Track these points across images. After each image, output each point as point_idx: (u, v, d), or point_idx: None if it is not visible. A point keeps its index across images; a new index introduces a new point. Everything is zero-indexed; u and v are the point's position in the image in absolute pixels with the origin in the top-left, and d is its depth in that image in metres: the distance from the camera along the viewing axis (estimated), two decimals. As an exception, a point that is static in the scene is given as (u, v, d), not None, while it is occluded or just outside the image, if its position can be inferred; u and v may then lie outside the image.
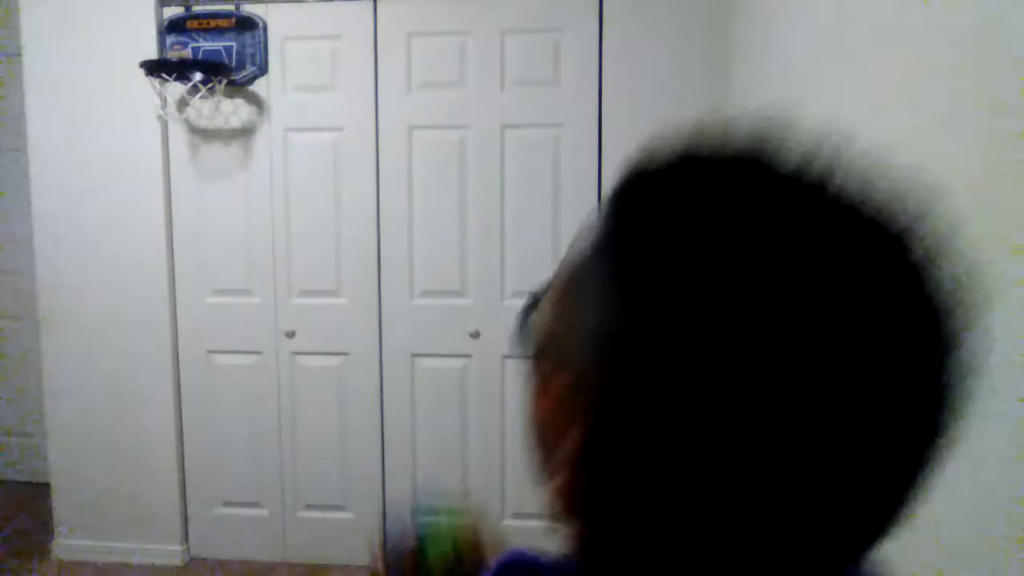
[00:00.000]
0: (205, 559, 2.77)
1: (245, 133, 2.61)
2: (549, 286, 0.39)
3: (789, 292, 0.26)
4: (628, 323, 0.28)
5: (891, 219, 0.28)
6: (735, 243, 0.27)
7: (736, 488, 0.27)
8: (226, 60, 2.53)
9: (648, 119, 2.44)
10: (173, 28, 2.55)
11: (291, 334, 2.65)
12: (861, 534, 0.29)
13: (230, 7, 2.55)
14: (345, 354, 2.66)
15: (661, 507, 0.28)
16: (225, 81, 2.50)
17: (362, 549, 2.72)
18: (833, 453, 0.27)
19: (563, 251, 2.40)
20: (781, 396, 0.26)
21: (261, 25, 2.54)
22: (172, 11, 2.57)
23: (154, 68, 2.40)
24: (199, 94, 2.45)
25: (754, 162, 0.30)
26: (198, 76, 2.41)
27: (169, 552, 2.74)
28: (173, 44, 2.55)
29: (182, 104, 2.57)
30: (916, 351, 0.27)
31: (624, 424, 0.28)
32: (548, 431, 0.35)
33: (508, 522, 2.64)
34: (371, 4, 2.52)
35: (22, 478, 3.50)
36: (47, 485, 2.86)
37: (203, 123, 2.62)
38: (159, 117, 2.57)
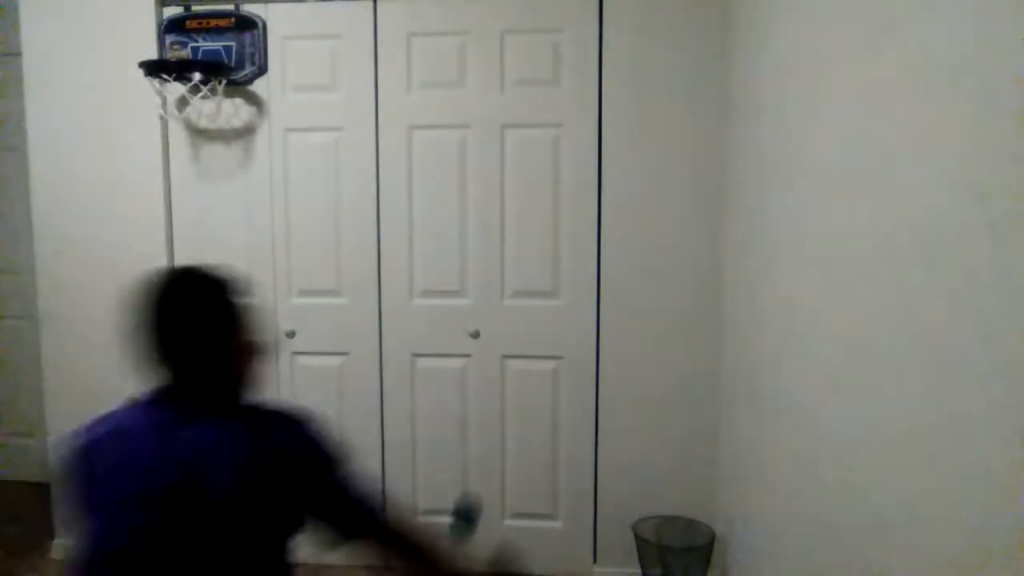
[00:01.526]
0: (205, 559, 2.77)
1: (245, 133, 2.61)
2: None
3: (166, 303, 1.11)
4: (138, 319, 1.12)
5: (211, 274, 1.15)
6: (157, 296, 1.11)
7: (150, 345, 1.10)
8: (225, 60, 2.53)
9: (648, 119, 2.44)
10: (173, 28, 2.55)
11: (291, 334, 2.65)
12: (179, 356, 1.10)
13: (230, 7, 2.55)
14: (345, 354, 2.66)
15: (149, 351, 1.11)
16: (224, 81, 2.50)
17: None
18: (158, 333, 1.09)
19: (563, 251, 2.42)
20: (153, 326, 1.09)
21: (261, 25, 2.54)
22: (172, 11, 2.57)
23: (153, 68, 2.40)
24: (199, 94, 2.45)
25: (195, 270, 1.16)
26: (197, 76, 2.41)
27: (169, 552, 2.73)
28: (173, 44, 2.55)
29: (182, 104, 2.57)
30: (205, 309, 1.11)
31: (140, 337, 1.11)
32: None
33: (508, 522, 2.64)
34: (371, 4, 2.52)
35: (22, 478, 3.50)
36: (47, 485, 2.86)
37: (203, 123, 2.62)
38: (159, 117, 2.58)
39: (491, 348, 2.58)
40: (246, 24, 2.53)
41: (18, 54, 2.67)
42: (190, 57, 2.53)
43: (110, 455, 1.08)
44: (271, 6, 2.55)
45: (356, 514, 1.14)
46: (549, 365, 2.57)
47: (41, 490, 3.21)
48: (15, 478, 3.51)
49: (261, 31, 2.54)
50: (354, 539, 1.14)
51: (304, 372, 2.68)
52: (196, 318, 1.10)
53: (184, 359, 1.10)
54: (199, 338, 1.09)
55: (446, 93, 2.52)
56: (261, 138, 2.61)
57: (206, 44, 2.55)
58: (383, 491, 2.68)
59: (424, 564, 1.17)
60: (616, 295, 2.51)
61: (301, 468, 1.08)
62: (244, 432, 1.08)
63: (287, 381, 2.68)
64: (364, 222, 2.59)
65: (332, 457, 1.13)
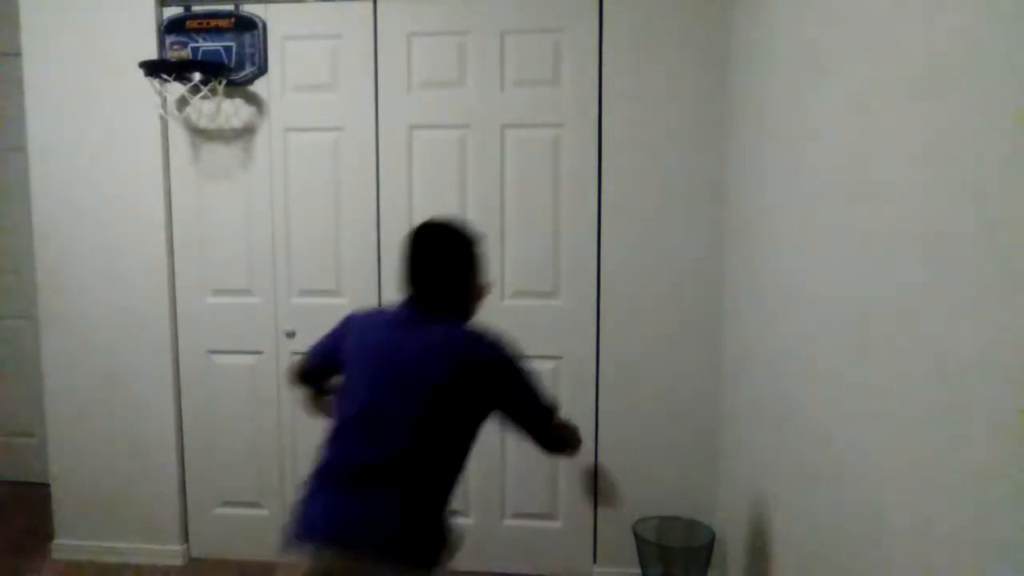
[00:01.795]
0: (205, 559, 2.77)
1: (245, 133, 2.61)
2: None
3: (426, 243, 1.53)
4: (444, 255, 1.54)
5: (456, 230, 1.56)
6: (420, 238, 1.54)
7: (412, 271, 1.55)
8: (225, 60, 2.53)
9: (648, 119, 2.44)
10: (173, 28, 2.55)
11: (291, 334, 2.65)
12: (428, 283, 1.52)
13: (230, 7, 2.55)
14: (345, 354, 2.66)
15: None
16: (225, 81, 2.50)
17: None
18: (416, 264, 1.53)
19: (563, 251, 2.45)
20: (413, 258, 1.53)
21: (261, 25, 2.54)
22: (172, 11, 2.57)
23: (153, 68, 2.40)
24: (199, 94, 2.45)
25: (452, 222, 1.57)
26: (197, 76, 2.41)
27: (169, 552, 2.74)
28: (173, 44, 2.55)
29: (182, 104, 2.58)
30: (460, 246, 1.55)
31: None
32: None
33: (508, 522, 2.64)
34: (371, 4, 2.52)
35: (22, 478, 3.50)
36: (47, 485, 2.86)
37: (203, 123, 2.62)
38: (159, 117, 2.58)
39: (491, 348, 2.58)
40: (246, 24, 2.53)
41: (18, 54, 2.67)
42: (190, 57, 2.53)
43: (369, 326, 1.54)
44: (271, 6, 2.55)
45: (526, 419, 1.48)
46: (549, 365, 2.57)
47: (41, 490, 3.21)
48: (15, 478, 3.51)
49: (261, 31, 2.54)
50: (524, 433, 1.49)
51: (304, 372, 2.68)
52: (447, 257, 1.51)
53: (431, 284, 1.50)
54: (446, 272, 1.51)
55: (446, 93, 2.52)
56: (261, 138, 2.61)
57: (206, 44, 2.55)
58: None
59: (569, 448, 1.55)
60: (616, 295, 2.51)
61: (493, 374, 1.44)
62: (461, 339, 1.45)
63: (287, 381, 2.68)
64: (364, 222, 2.59)
65: (517, 371, 1.46)
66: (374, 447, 1.38)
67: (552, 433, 1.50)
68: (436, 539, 1.40)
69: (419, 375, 1.40)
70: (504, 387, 1.45)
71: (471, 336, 1.46)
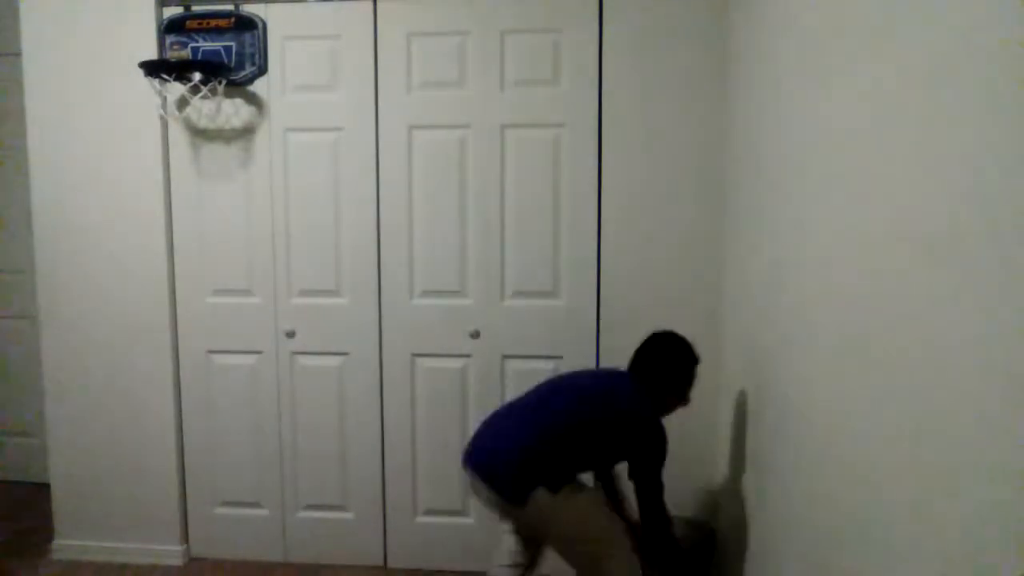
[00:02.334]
0: (205, 559, 2.77)
1: (245, 133, 2.61)
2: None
3: (663, 344, 2.04)
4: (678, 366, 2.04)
5: (689, 348, 2.05)
6: (679, 352, 2.03)
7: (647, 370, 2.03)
8: (225, 60, 2.53)
9: (648, 118, 2.44)
10: (172, 28, 2.55)
11: (291, 334, 2.65)
12: (661, 377, 2.01)
13: (230, 7, 2.55)
14: (345, 354, 2.66)
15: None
16: (224, 81, 2.50)
17: (362, 549, 2.72)
18: (654, 365, 2.02)
19: (563, 251, 2.43)
20: (647, 349, 2.05)
21: (261, 25, 2.54)
22: (171, 11, 2.57)
23: (153, 68, 2.40)
24: (199, 94, 2.45)
25: (681, 338, 2.06)
26: (197, 76, 2.41)
27: (169, 552, 2.74)
28: (172, 44, 2.55)
29: (182, 104, 2.58)
30: (683, 360, 2.04)
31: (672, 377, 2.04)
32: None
33: (508, 522, 2.64)
34: (371, 4, 2.52)
35: (22, 478, 3.50)
36: (47, 485, 2.86)
37: (203, 123, 2.62)
38: (159, 117, 2.58)
39: (491, 348, 2.58)
40: (246, 24, 2.53)
41: (18, 54, 2.68)
42: (190, 57, 2.53)
43: (576, 375, 2.05)
44: (271, 6, 2.55)
45: (639, 474, 1.93)
46: (549, 365, 2.57)
47: (41, 490, 3.21)
48: (15, 478, 3.51)
49: (261, 31, 2.54)
50: (635, 483, 1.94)
51: (304, 372, 2.68)
52: (671, 361, 1.99)
53: (647, 370, 1.99)
54: (663, 370, 1.98)
55: (446, 93, 2.52)
56: (261, 138, 2.61)
57: (206, 44, 2.55)
58: (383, 490, 2.69)
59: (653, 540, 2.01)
60: (616, 295, 2.51)
61: (637, 432, 1.90)
62: (636, 401, 1.92)
63: (287, 381, 2.68)
64: (364, 222, 2.60)
65: (655, 445, 1.91)
66: (515, 419, 1.93)
67: (654, 497, 1.94)
68: (527, 488, 1.83)
69: (582, 399, 1.92)
70: (639, 445, 1.91)
71: (645, 405, 1.92)
